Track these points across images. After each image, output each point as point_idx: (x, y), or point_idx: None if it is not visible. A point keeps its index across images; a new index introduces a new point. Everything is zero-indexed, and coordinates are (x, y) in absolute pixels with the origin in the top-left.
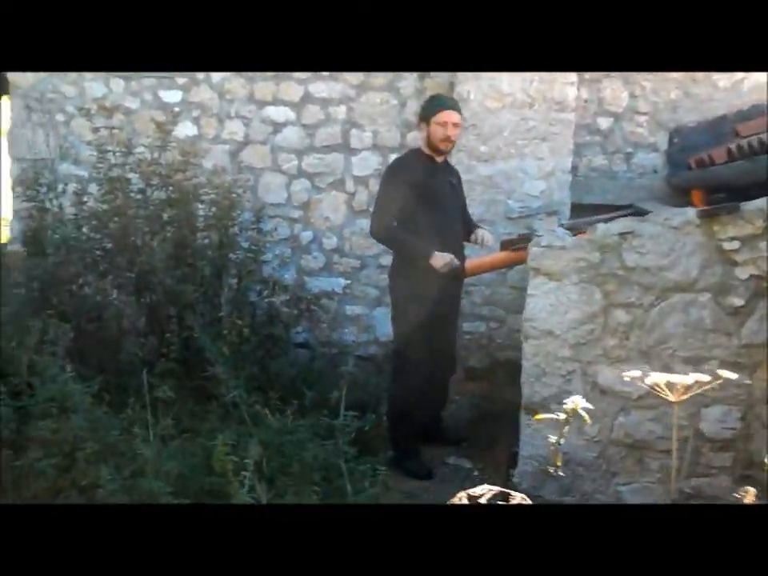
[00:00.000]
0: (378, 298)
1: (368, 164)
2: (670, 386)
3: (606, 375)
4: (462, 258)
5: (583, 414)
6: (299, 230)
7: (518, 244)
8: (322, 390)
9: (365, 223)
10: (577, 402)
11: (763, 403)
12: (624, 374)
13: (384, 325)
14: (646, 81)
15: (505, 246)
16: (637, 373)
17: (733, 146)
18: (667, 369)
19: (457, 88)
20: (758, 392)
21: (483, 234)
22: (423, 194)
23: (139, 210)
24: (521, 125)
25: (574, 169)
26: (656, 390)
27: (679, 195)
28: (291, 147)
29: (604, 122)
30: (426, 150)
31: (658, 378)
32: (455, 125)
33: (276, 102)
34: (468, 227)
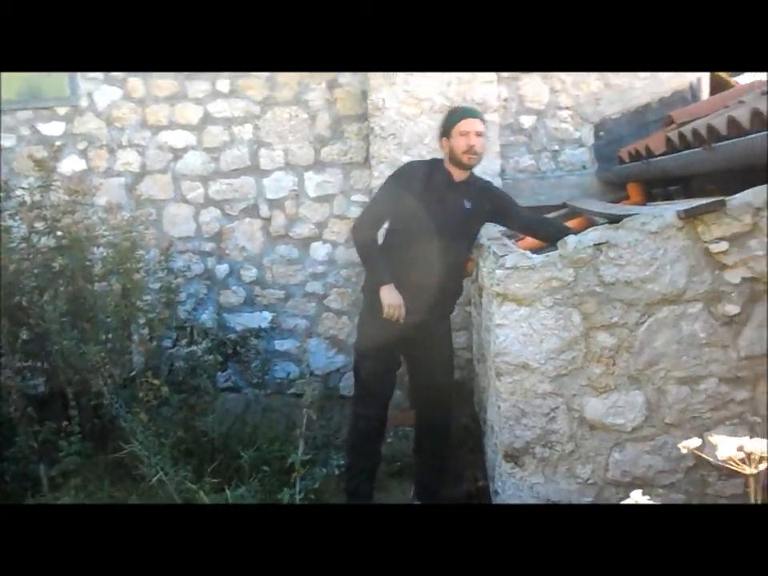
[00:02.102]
0: (308, 329)
1: (282, 185)
2: (743, 453)
3: (595, 408)
4: (451, 288)
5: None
6: (213, 263)
7: None
8: (261, 442)
9: (285, 250)
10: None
11: None
12: (680, 445)
13: (318, 357)
14: (566, 74)
15: None
16: (695, 442)
17: (672, 135)
18: (661, 393)
19: (370, 96)
20: (763, 407)
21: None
22: (417, 214)
23: (23, 262)
24: None
25: (501, 172)
26: (730, 464)
27: (612, 190)
28: (195, 174)
29: (527, 121)
30: (448, 165)
31: (726, 446)
32: (479, 134)
33: (172, 125)
34: (545, 227)
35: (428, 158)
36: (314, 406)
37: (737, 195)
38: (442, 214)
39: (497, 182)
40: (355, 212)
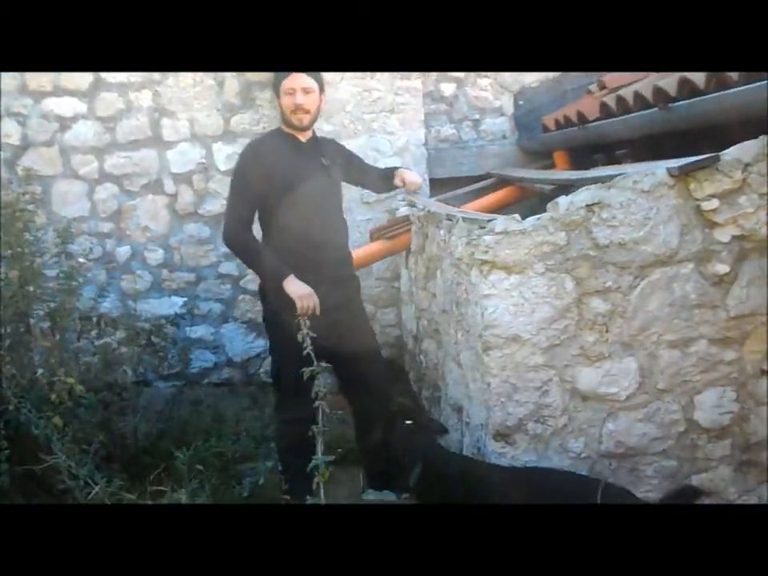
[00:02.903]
0: (223, 313)
1: (188, 158)
2: None
3: (588, 378)
4: (346, 254)
5: None
6: (113, 245)
7: (388, 230)
8: (193, 439)
9: (194, 228)
10: None
11: (756, 378)
12: None
13: (235, 342)
14: None
15: (375, 234)
16: None
17: (608, 100)
18: (653, 358)
19: None
20: (750, 367)
21: (403, 173)
22: (284, 185)
23: None
24: (365, 97)
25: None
26: None
27: (533, 159)
28: (87, 146)
29: (447, 89)
30: (285, 129)
31: None
32: (306, 90)
33: (58, 91)
34: (382, 179)
35: (351, 127)
36: (326, 399)
37: (727, 150)
38: (306, 177)
39: (421, 152)
40: None
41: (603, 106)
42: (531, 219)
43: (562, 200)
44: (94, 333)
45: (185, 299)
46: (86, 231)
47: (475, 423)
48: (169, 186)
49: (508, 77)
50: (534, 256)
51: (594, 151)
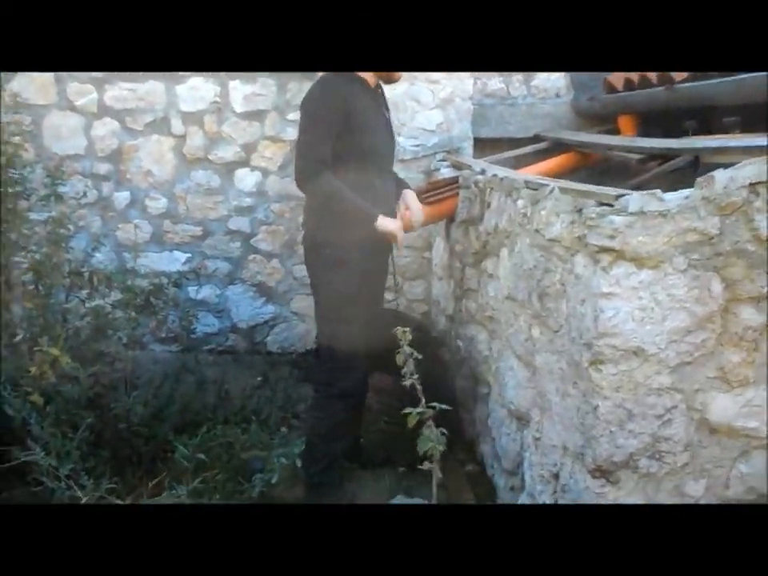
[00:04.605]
0: (230, 273)
1: (200, 95)
2: None
3: (723, 406)
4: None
5: None
6: (110, 190)
7: (431, 194)
8: (195, 422)
9: (202, 176)
10: None
11: None
12: None
13: (242, 307)
14: None
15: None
16: None
17: None
18: None
19: None
20: None
21: (409, 200)
22: (361, 129)
23: None
24: None
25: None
26: None
27: (589, 122)
28: (86, 74)
29: None
30: (365, 75)
31: None
32: None
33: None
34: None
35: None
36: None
37: None
38: (376, 127)
39: (467, 107)
40: (292, 134)
41: None
42: (675, 196)
43: (720, 174)
44: (84, 292)
45: (188, 255)
46: (80, 172)
47: (552, 444)
48: (177, 126)
49: None
50: (674, 247)
51: (678, 118)
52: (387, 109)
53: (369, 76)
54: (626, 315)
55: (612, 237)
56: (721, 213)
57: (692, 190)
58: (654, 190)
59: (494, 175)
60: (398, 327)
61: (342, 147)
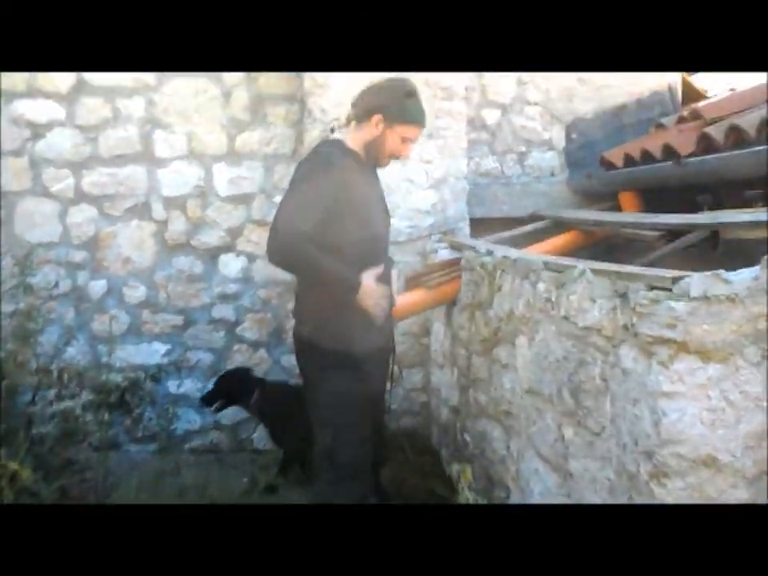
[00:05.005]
0: (213, 365)
1: (183, 179)
2: None
3: None
4: (392, 302)
5: None
6: (85, 279)
7: (431, 276)
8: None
9: (185, 263)
10: None
11: None
12: None
13: None
14: None
15: (412, 281)
16: None
17: (713, 131)
18: None
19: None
20: None
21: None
22: (357, 207)
23: None
24: None
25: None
26: None
27: (586, 201)
28: (63, 159)
29: (490, 116)
30: (358, 149)
31: None
32: (412, 142)
33: (33, 92)
34: None
35: None
36: None
37: None
38: (375, 203)
39: (462, 186)
40: None
41: (703, 138)
42: (742, 278)
43: None
44: (53, 391)
45: (168, 347)
46: (54, 260)
47: None
48: (158, 211)
49: (560, 105)
50: (745, 336)
51: (685, 193)
52: (379, 185)
53: (360, 148)
54: (693, 418)
55: (671, 326)
56: None
57: (758, 268)
58: (717, 271)
59: (505, 256)
60: None
61: (336, 224)
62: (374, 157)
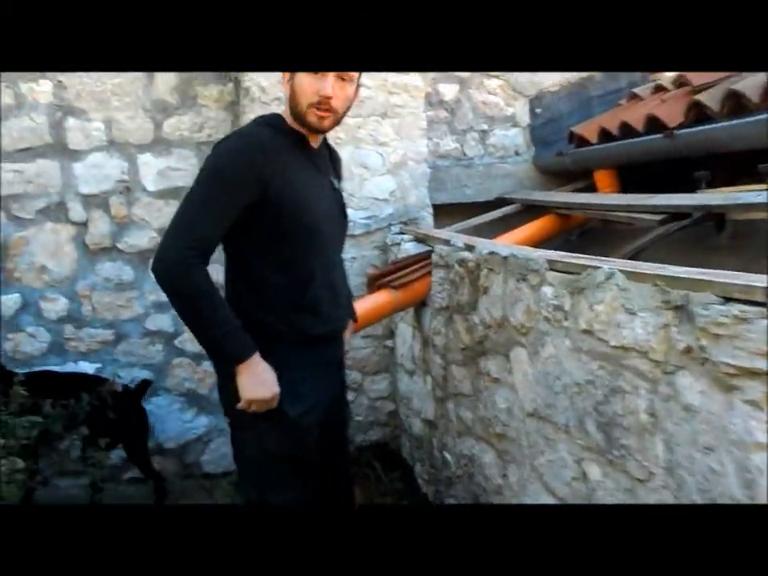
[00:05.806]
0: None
1: (104, 174)
2: None
3: None
4: (351, 312)
5: None
6: None
7: (397, 276)
8: None
9: (111, 269)
10: None
11: None
12: None
13: (168, 422)
14: None
15: (375, 281)
16: None
17: (705, 99)
18: None
19: None
20: None
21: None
22: (292, 203)
23: None
24: None
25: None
26: None
27: (552, 181)
28: None
29: (448, 91)
30: (293, 123)
31: None
32: (342, 78)
33: None
34: None
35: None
36: None
37: None
38: (314, 200)
39: (422, 170)
40: None
41: (694, 106)
42: None
43: None
44: None
45: (98, 365)
46: None
47: None
48: (76, 211)
49: (522, 78)
50: None
51: (673, 169)
52: (338, 177)
53: (311, 136)
54: None
55: (763, 354)
56: None
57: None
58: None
59: (492, 253)
60: None
61: (260, 229)
62: (298, 117)
